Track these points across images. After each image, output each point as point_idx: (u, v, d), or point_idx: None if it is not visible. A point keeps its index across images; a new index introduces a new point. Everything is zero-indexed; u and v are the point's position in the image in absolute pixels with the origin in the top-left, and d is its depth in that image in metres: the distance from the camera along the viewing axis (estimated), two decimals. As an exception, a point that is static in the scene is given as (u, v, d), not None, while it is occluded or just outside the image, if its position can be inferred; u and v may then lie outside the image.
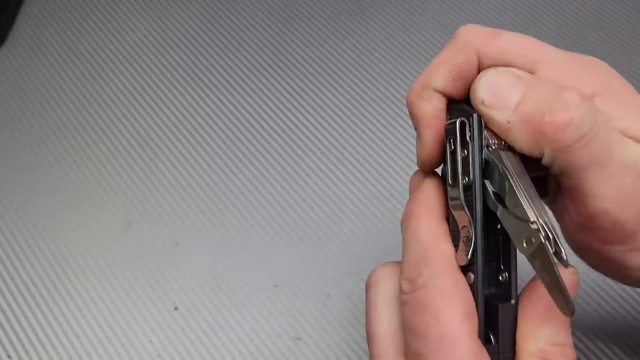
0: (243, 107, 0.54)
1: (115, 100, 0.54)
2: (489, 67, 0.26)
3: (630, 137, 0.26)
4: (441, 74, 0.27)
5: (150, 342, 0.43)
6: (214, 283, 0.45)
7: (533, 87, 0.26)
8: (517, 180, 0.24)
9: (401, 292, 0.26)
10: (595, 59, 0.29)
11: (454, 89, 0.27)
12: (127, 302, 0.44)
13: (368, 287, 0.28)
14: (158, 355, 0.42)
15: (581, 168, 0.25)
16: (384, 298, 0.27)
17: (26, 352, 0.42)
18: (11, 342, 0.43)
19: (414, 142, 0.53)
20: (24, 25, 0.60)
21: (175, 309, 0.44)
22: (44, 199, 0.49)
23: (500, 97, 0.26)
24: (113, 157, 0.51)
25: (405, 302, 0.25)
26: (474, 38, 0.27)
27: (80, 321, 0.43)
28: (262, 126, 0.52)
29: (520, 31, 0.60)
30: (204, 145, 0.52)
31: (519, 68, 0.27)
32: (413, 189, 0.28)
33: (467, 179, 0.25)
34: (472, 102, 0.26)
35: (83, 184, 0.50)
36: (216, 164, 0.50)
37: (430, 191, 0.27)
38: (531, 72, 0.27)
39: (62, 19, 0.60)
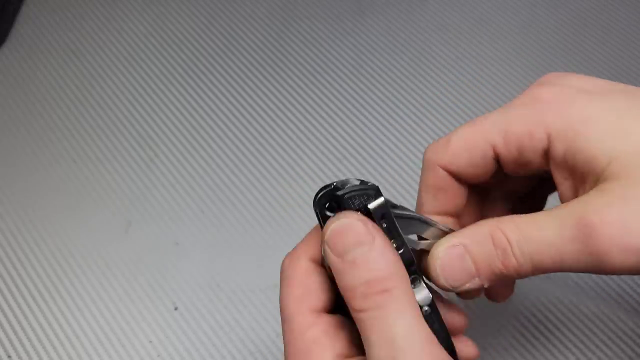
0: (243, 107, 0.54)
1: (115, 100, 0.54)
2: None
3: (601, 169, 0.28)
4: (424, 198, 0.32)
5: (150, 342, 0.43)
6: (214, 283, 0.45)
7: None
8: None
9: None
10: (535, 88, 0.31)
11: (440, 204, 0.32)
12: (127, 302, 0.44)
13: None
14: (158, 355, 0.42)
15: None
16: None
17: (26, 352, 0.42)
18: (11, 342, 0.43)
19: (414, 141, 0.53)
20: (24, 26, 0.60)
21: (175, 308, 0.44)
22: (44, 199, 0.49)
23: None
24: (113, 157, 0.51)
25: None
26: (433, 155, 0.32)
27: (80, 321, 0.43)
28: (261, 126, 0.53)
29: (521, 31, 0.60)
30: (203, 145, 0.52)
31: (475, 162, 0.31)
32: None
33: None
34: None
35: (83, 184, 0.50)
36: (216, 164, 0.50)
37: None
38: (488, 150, 0.30)
39: (62, 19, 0.60)
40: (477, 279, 0.29)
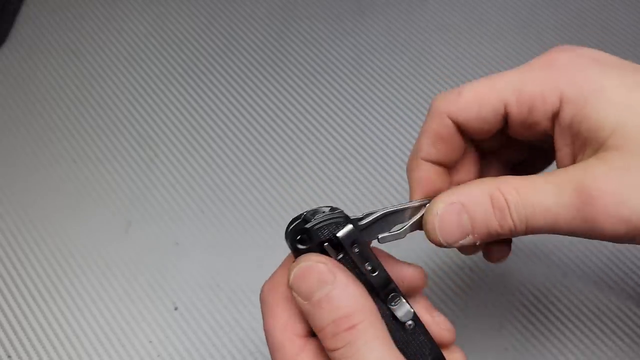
0: (242, 106, 0.54)
1: (115, 100, 0.54)
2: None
3: (604, 138, 0.28)
4: (423, 143, 0.32)
5: (150, 341, 0.43)
6: (213, 283, 0.45)
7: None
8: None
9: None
10: (553, 53, 0.32)
11: (437, 152, 0.32)
12: (127, 302, 0.44)
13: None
14: (158, 355, 0.42)
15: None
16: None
17: (26, 352, 0.42)
18: (11, 342, 0.43)
19: (414, 141, 0.53)
20: (24, 26, 0.60)
21: (175, 308, 0.44)
22: (44, 199, 0.49)
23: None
24: (113, 157, 0.51)
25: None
26: (442, 103, 0.32)
27: (80, 321, 0.43)
28: (261, 126, 0.53)
29: (521, 31, 0.61)
30: (203, 145, 0.52)
31: (483, 117, 0.31)
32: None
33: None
34: None
35: (83, 184, 0.50)
36: (216, 164, 0.50)
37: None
38: (500, 107, 0.31)
39: (62, 19, 0.60)
40: (470, 236, 0.30)
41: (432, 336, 0.31)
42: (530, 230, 0.29)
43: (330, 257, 0.29)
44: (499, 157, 0.35)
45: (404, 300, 0.30)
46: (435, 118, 0.32)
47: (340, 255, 0.29)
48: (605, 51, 0.32)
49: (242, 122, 0.53)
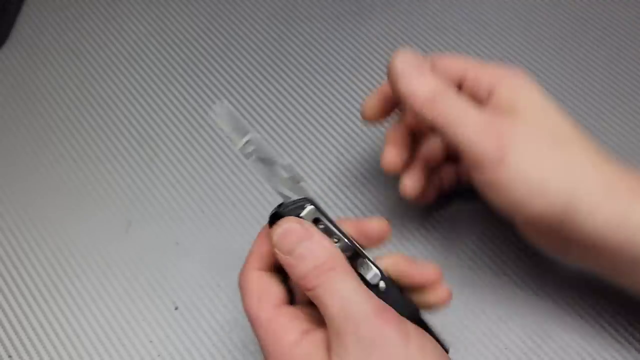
0: (243, 106, 0.54)
1: (115, 100, 0.55)
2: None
3: (517, 108, 0.36)
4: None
5: (151, 341, 0.43)
6: (213, 282, 0.45)
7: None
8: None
9: None
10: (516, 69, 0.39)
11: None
12: (127, 301, 0.44)
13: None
14: (158, 355, 0.42)
15: (446, 125, 0.37)
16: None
17: (27, 351, 0.42)
18: (12, 342, 0.43)
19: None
20: (24, 26, 0.60)
21: (176, 308, 0.44)
22: (44, 199, 0.49)
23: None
24: (113, 157, 0.51)
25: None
26: (432, 57, 0.41)
27: (80, 321, 0.43)
28: (261, 126, 0.53)
29: (521, 31, 0.61)
30: (203, 145, 0.52)
31: (454, 74, 0.39)
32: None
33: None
34: None
35: (83, 184, 0.50)
36: (216, 164, 0.50)
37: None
38: (462, 76, 0.39)
39: (63, 19, 0.60)
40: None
41: (416, 282, 0.35)
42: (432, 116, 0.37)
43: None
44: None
45: (371, 264, 0.34)
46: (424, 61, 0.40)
47: None
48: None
49: (242, 122, 0.53)
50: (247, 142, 0.35)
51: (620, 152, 0.50)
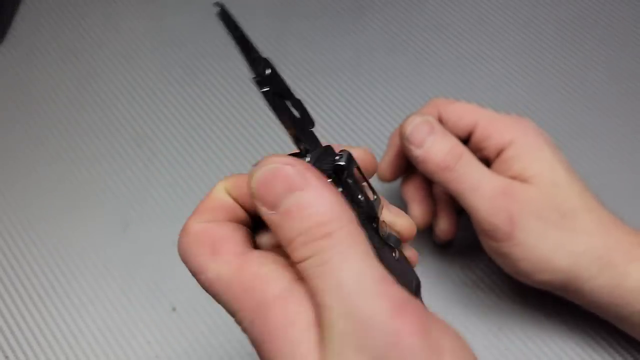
0: (241, 106, 0.54)
1: (113, 100, 0.54)
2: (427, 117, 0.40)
3: (527, 176, 0.38)
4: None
5: (148, 342, 0.42)
6: (212, 283, 0.45)
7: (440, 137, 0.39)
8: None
9: None
10: (521, 117, 0.40)
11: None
12: (125, 302, 0.44)
13: None
14: (156, 356, 0.42)
15: (460, 192, 0.38)
16: None
17: (23, 352, 0.42)
18: (9, 343, 0.43)
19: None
20: (21, 25, 0.60)
21: (173, 309, 0.44)
22: (41, 199, 0.49)
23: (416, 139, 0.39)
24: (111, 157, 0.51)
25: None
26: (439, 102, 0.41)
27: (78, 322, 0.43)
28: (260, 125, 0.52)
29: (520, 31, 0.60)
30: (201, 145, 0.51)
31: (463, 126, 0.40)
32: None
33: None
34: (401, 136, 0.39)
35: (81, 185, 0.50)
36: (214, 164, 0.50)
37: None
38: (472, 128, 0.40)
39: (60, 18, 0.60)
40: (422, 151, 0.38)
41: (402, 231, 0.29)
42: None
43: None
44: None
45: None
46: (431, 109, 0.41)
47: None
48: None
49: (240, 121, 0.53)
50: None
51: (620, 152, 0.50)
